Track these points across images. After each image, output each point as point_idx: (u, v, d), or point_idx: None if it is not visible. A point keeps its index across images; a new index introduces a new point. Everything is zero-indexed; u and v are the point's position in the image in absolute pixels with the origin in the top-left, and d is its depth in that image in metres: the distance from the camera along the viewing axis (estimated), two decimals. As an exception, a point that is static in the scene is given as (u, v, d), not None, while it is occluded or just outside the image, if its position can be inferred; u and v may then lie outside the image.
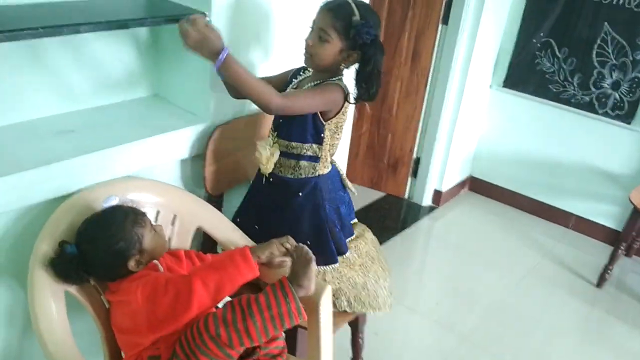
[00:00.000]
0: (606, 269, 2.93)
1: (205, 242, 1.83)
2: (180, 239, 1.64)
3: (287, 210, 1.70)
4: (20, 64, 1.48)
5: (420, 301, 2.74)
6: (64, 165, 1.41)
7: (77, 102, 1.67)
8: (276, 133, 1.67)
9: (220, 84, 1.67)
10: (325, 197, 1.71)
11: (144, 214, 1.39)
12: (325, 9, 1.54)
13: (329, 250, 1.71)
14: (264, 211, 1.74)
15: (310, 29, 1.57)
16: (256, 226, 1.73)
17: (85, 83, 1.66)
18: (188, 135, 1.71)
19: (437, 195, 3.59)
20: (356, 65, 1.59)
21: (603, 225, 3.37)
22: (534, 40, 3.29)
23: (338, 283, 1.73)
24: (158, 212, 1.59)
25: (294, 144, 1.64)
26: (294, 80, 1.70)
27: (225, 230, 1.71)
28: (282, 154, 1.66)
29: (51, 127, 1.55)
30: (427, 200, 3.60)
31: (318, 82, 1.61)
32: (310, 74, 1.68)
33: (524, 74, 3.39)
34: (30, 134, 1.50)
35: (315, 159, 1.66)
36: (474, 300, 2.75)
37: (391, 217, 3.43)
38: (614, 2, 3.00)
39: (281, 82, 1.70)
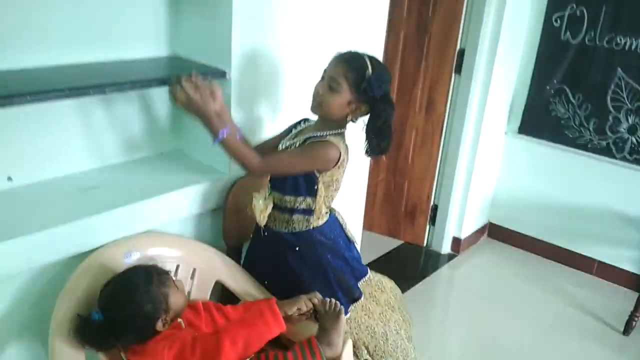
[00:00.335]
0: (633, 316, 2.85)
1: (224, 295, 1.83)
2: (200, 292, 1.64)
3: (286, 265, 1.68)
4: (45, 123, 1.53)
5: (443, 354, 2.67)
6: (86, 222, 1.43)
7: (102, 158, 1.72)
8: (270, 184, 1.67)
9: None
10: (325, 247, 1.68)
11: (167, 273, 1.39)
12: (339, 59, 1.56)
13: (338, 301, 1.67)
14: (265, 266, 1.73)
15: (321, 78, 1.59)
16: (266, 282, 1.72)
17: (110, 140, 1.71)
18: (208, 189, 1.74)
19: (456, 243, 3.56)
20: (366, 119, 1.59)
21: (626, 271, 3.30)
22: (548, 87, 3.32)
23: (357, 333, 1.71)
24: (178, 266, 1.60)
25: (287, 197, 1.63)
26: (292, 130, 1.72)
27: (244, 283, 1.71)
28: (275, 207, 1.66)
29: (76, 184, 1.59)
30: (446, 248, 3.57)
31: (309, 136, 1.60)
32: (311, 124, 1.68)
33: (538, 120, 3.40)
34: (56, 191, 1.54)
35: (308, 212, 1.65)
36: (498, 351, 2.68)
37: (410, 266, 3.40)
38: (627, 48, 3.03)
39: (280, 139, 1.72)
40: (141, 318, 1.30)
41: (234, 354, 1.27)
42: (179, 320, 1.38)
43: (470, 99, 3.19)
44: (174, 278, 1.41)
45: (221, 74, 1.66)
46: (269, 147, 1.72)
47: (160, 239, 1.61)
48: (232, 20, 1.61)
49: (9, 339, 1.44)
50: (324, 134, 1.58)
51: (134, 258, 1.48)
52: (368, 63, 1.54)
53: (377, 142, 1.56)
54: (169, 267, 1.57)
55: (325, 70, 1.58)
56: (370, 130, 1.56)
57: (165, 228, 1.68)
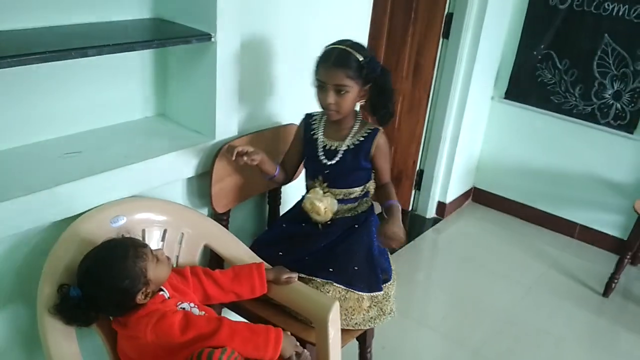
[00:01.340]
0: (612, 278, 2.93)
1: (212, 259, 1.84)
2: (188, 257, 1.65)
3: (341, 245, 1.75)
4: (27, 87, 1.50)
5: (427, 314, 2.73)
6: (71, 187, 1.42)
7: (84, 123, 1.69)
8: (326, 184, 1.74)
9: (226, 103, 1.71)
10: (375, 223, 1.81)
11: (144, 246, 1.37)
12: (331, 66, 1.61)
13: (374, 277, 1.75)
14: (307, 244, 1.77)
15: (320, 88, 1.65)
16: (280, 252, 1.76)
17: (92, 104, 1.68)
18: (194, 154, 1.73)
19: (441, 207, 3.60)
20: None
21: (608, 235, 3.37)
22: (535, 52, 3.31)
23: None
24: (165, 231, 1.60)
25: (352, 189, 1.75)
26: (314, 133, 1.76)
27: (232, 247, 1.73)
28: (339, 201, 1.75)
29: (59, 149, 1.56)
30: (431, 213, 3.61)
31: (364, 136, 1.72)
32: (325, 119, 1.77)
33: (525, 86, 3.41)
34: (38, 157, 1.51)
35: (367, 193, 1.81)
36: (481, 312, 2.74)
37: (396, 230, 3.43)
38: (614, 14, 3.03)
39: (295, 150, 1.83)
40: (119, 293, 1.29)
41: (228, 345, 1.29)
42: (162, 292, 1.38)
43: (458, 63, 3.18)
44: (155, 248, 1.40)
45: (206, 37, 1.63)
46: (289, 161, 1.85)
47: (147, 204, 1.61)
48: (216, -20, 1.57)
49: (-2, 303, 1.44)
50: (373, 129, 1.72)
51: (120, 223, 1.48)
52: (355, 52, 1.61)
53: (386, 109, 1.71)
54: (156, 232, 1.58)
55: (321, 81, 1.63)
56: (378, 102, 1.70)
57: (152, 193, 1.67)
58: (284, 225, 1.86)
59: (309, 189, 1.80)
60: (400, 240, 1.60)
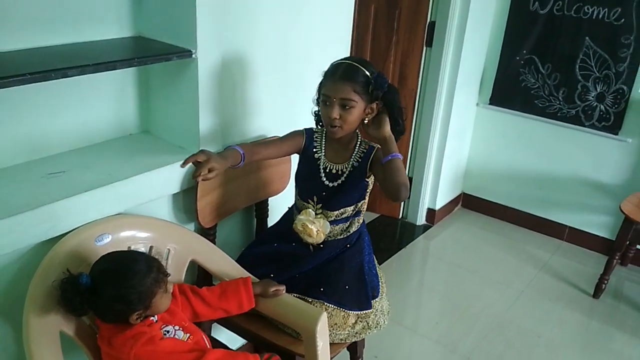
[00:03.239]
0: (602, 279, 2.95)
1: (200, 274, 1.84)
2: (175, 273, 1.65)
3: (333, 263, 1.76)
4: (8, 108, 1.51)
5: (419, 321, 2.74)
6: (55, 207, 1.42)
7: (68, 143, 1.69)
8: (320, 205, 1.73)
9: (209, 118, 1.72)
10: (366, 242, 1.82)
11: (165, 274, 1.38)
12: (338, 80, 1.59)
13: (363, 294, 1.76)
14: (299, 265, 1.76)
15: (323, 104, 1.63)
16: (272, 275, 1.74)
17: (75, 123, 1.69)
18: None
19: (431, 214, 3.62)
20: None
21: (597, 236, 3.40)
22: (517, 58, 3.35)
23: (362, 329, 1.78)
24: (151, 248, 1.60)
25: (344, 209, 1.73)
26: (316, 151, 1.74)
27: (219, 262, 1.73)
28: (331, 223, 1.74)
29: (42, 170, 1.56)
30: (421, 219, 3.62)
31: (361, 154, 1.71)
32: (326, 137, 1.74)
33: (509, 91, 3.44)
34: (22, 177, 1.51)
35: (358, 213, 1.78)
36: (473, 318, 2.75)
37: (386, 238, 3.45)
38: (594, 17, 3.07)
39: (281, 151, 1.78)
40: (122, 304, 1.29)
41: None
42: (152, 317, 1.38)
43: (442, 71, 3.21)
44: (168, 281, 1.40)
45: (187, 53, 1.64)
46: (266, 151, 1.77)
47: (132, 221, 1.61)
48: (195, -2, 1.58)
49: (-18, 325, 1.44)
50: (369, 147, 1.71)
51: (105, 241, 1.48)
52: (362, 68, 1.60)
53: (398, 127, 1.68)
54: (142, 248, 1.57)
55: (326, 95, 1.61)
56: (390, 120, 1.66)
57: (138, 210, 1.67)
58: (274, 244, 1.84)
59: (300, 209, 1.78)
60: None
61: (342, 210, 1.73)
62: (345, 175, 1.71)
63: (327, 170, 1.73)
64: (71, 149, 1.70)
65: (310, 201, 1.74)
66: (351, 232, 1.79)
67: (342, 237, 1.77)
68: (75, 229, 1.47)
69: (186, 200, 1.84)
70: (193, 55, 1.65)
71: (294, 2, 1.95)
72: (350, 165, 1.71)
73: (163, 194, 1.75)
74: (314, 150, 1.75)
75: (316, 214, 1.74)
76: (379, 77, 1.61)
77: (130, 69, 1.75)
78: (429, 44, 3.21)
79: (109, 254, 1.37)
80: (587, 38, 3.11)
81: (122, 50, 1.66)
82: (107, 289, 1.29)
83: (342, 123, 1.62)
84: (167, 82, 1.77)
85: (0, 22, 1.43)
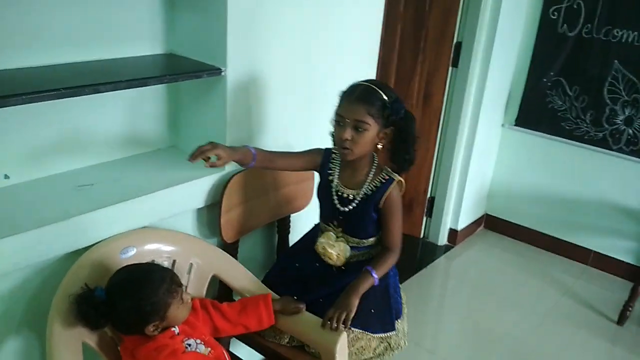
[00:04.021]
0: (627, 306, 2.89)
1: (221, 289, 1.85)
2: (196, 287, 1.67)
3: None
4: (41, 121, 1.55)
5: (440, 343, 2.71)
6: (83, 219, 1.45)
7: (98, 156, 1.73)
8: (340, 229, 1.72)
9: (235, 135, 1.74)
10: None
11: (180, 285, 1.40)
12: (353, 101, 1.56)
13: (388, 317, 1.75)
14: (323, 287, 1.74)
15: (337, 124, 1.60)
16: (295, 297, 1.71)
17: (106, 138, 1.73)
18: (204, 185, 1.76)
19: (453, 234, 3.59)
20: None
21: (622, 261, 3.33)
22: (545, 79, 3.32)
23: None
24: (174, 262, 1.62)
25: (364, 240, 1.72)
26: (331, 173, 1.72)
27: (240, 278, 1.74)
28: (352, 248, 1.73)
29: (72, 181, 1.60)
30: (443, 240, 3.60)
31: (377, 183, 1.66)
32: (344, 163, 1.70)
33: (535, 113, 3.41)
34: (51, 189, 1.55)
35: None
36: (495, 341, 2.71)
37: (407, 257, 3.43)
38: (623, 41, 3.04)
39: (301, 165, 1.77)
40: (135, 315, 1.31)
41: None
42: (173, 328, 1.39)
43: (467, 91, 3.20)
44: (185, 292, 1.41)
45: (217, 71, 1.67)
46: (288, 163, 1.76)
47: (157, 235, 1.63)
48: (227, 17, 1.61)
49: (6, 335, 1.46)
50: (388, 179, 1.66)
51: (130, 254, 1.51)
52: (380, 91, 1.57)
53: (408, 157, 1.65)
54: (165, 262, 1.59)
55: (340, 115, 1.58)
56: (400, 148, 1.64)
57: (162, 224, 1.70)
58: (297, 265, 1.83)
59: (322, 230, 1.77)
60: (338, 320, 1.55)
61: (364, 240, 1.73)
62: (356, 202, 1.67)
63: (339, 194, 1.69)
64: (102, 162, 1.74)
65: (331, 224, 1.74)
66: (374, 254, 1.76)
67: (364, 258, 1.75)
68: (101, 241, 1.50)
69: (210, 215, 1.85)
70: (222, 73, 1.67)
71: (322, 21, 1.97)
72: (362, 193, 1.66)
73: (188, 208, 1.77)
74: (329, 171, 1.72)
75: (337, 237, 1.73)
76: (396, 103, 1.58)
77: (161, 85, 1.78)
78: (455, 64, 3.20)
79: (124, 267, 1.39)
80: (615, 61, 3.08)
81: (154, 67, 1.69)
82: (121, 300, 1.31)
83: (352, 145, 1.57)
84: (196, 98, 1.80)
85: (38, 38, 1.48)
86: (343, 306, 1.57)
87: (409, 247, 3.53)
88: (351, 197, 1.68)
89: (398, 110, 1.58)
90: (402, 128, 1.61)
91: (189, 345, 1.40)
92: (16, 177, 1.55)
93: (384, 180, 1.66)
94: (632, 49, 3.02)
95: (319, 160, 1.75)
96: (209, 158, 1.54)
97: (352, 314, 1.56)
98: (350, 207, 1.68)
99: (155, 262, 1.43)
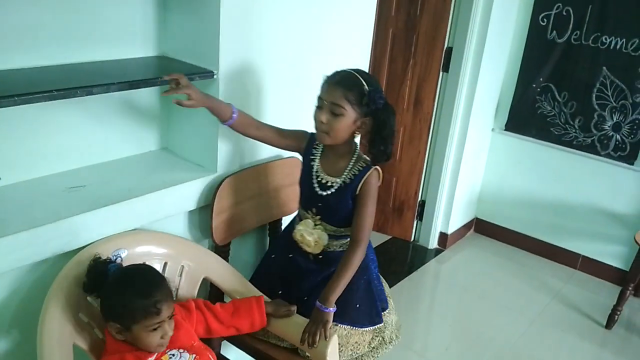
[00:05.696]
0: (615, 310, 2.91)
1: (213, 292, 1.85)
2: (188, 289, 1.67)
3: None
4: (33, 122, 1.55)
5: (429, 346, 2.72)
6: (74, 221, 1.45)
7: (90, 157, 1.73)
8: (319, 217, 1.71)
9: (227, 137, 1.75)
10: (370, 257, 1.79)
11: (170, 313, 1.34)
12: (333, 84, 1.57)
13: (374, 310, 1.77)
14: (304, 282, 1.75)
15: (317, 107, 1.60)
16: (280, 292, 1.74)
17: (97, 139, 1.73)
18: (196, 187, 1.76)
19: (443, 238, 3.61)
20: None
21: (610, 266, 3.37)
22: (534, 85, 3.36)
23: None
24: (166, 264, 1.62)
25: (342, 229, 1.71)
26: (313, 158, 1.71)
27: (232, 280, 1.74)
28: (330, 236, 1.71)
29: (63, 183, 1.60)
30: (433, 243, 3.62)
31: (355, 174, 1.64)
32: (324, 152, 1.69)
33: (525, 118, 3.45)
34: (42, 191, 1.55)
35: None
36: (483, 345, 2.73)
37: (398, 261, 3.44)
38: (612, 47, 3.08)
39: (298, 140, 1.75)
40: (107, 304, 1.31)
41: None
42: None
43: (458, 96, 3.23)
44: (168, 329, 1.35)
45: (209, 74, 1.67)
46: (279, 132, 1.74)
47: (148, 237, 1.63)
48: (219, 20, 1.62)
49: (-3, 336, 1.46)
50: (365, 166, 1.64)
51: (121, 256, 1.50)
52: (361, 79, 1.57)
53: (384, 149, 1.61)
54: (157, 264, 1.59)
55: (320, 98, 1.59)
56: (376, 139, 1.60)
57: (154, 226, 1.70)
58: (273, 256, 1.86)
59: (301, 217, 1.76)
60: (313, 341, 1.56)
61: (342, 229, 1.71)
62: (334, 188, 1.66)
63: (319, 179, 1.68)
64: (92, 163, 1.73)
65: (309, 211, 1.72)
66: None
67: (341, 249, 1.73)
68: (92, 243, 1.50)
69: (201, 217, 1.86)
70: (215, 76, 1.68)
71: (314, 25, 1.98)
72: (341, 181, 1.65)
73: (179, 210, 1.77)
74: (311, 157, 1.71)
75: (315, 224, 1.71)
76: (376, 92, 1.56)
77: (153, 87, 1.78)
78: (446, 69, 3.23)
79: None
80: (604, 68, 3.12)
81: (145, 69, 1.69)
82: (113, 283, 1.32)
83: (328, 129, 1.57)
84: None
85: (29, 39, 1.47)
86: (318, 320, 1.59)
87: (399, 251, 3.55)
88: (330, 183, 1.67)
89: (376, 100, 1.56)
90: (381, 119, 1.58)
91: (173, 355, 1.38)
92: (8, 178, 1.55)
93: (361, 168, 1.65)
94: (620, 56, 3.06)
95: (303, 144, 1.74)
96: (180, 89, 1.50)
97: (329, 324, 1.58)
98: (329, 192, 1.66)
99: (167, 281, 1.37)
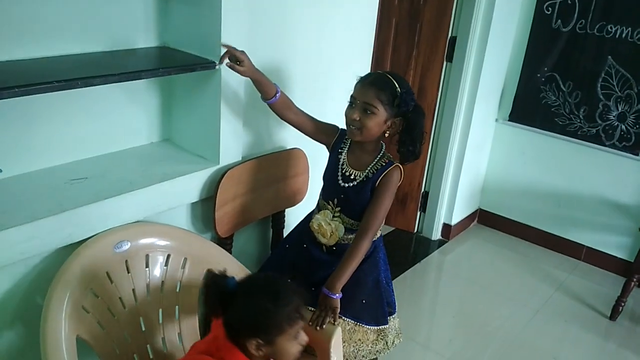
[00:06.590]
0: (619, 301, 2.90)
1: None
2: (191, 281, 1.66)
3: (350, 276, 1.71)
4: (33, 114, 1.54)
5: (433, 337, 2.72)
6: (77, 213, 1.44)
7: (91, 150, 1.72)
8: (339, 209, 1.73)
9: (230, 128, 1.73)
10: (381, 257, 1.81)
11: (300, 320, 1.29)
12: (366, 84, 1.62)
13: (380, 310, 1.78)
14: (316, 272, 1.75)
15: (350, 104, 1.65)
16: (313, 288, 1.71)
17: (99, 131, 1.72)
18: (198, 179, 1.75)
19: (447, 229, 3.60)
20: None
21: (614, 257, 3.35)
22: (538, 75, 3.33)
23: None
24: (169, 256, 1.62)
25: (359, 222, 1.71)
26: (341, 151, 1.74)
27: (235, 272, 1.72)
28: (346, 230, 1.73)
29: (65, 175, 1.59)
30: (436, 234, 3.60)
31: (378, 169, 1.68)
32: (352, 148, 1.73)
33: (529, 108, 3.42)
34: (44, 183, 1.54)
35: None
36: (488, 335, 2.72)
37: (401, 252, 3.43)
38: (617, 36, 3.04)
39: (319, 131, 1.79)
40: (249, 321, 1.24)
41: None
42: None
43: (462, 86, 3.20)
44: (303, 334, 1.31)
45: (211, 65, 1.66)
46: (312, 121, 1.80)
47: (151, 229, 1.63)
48: (221, 10, 1.61)
49: (0, 329, 1.46)
50: (388, 162, 1.69)
51: (124, 248, 1.50)
52: (394, 81, 1.62)
53: (412, 149, 1.67)
54: (160, 257, 1.59)
55: (353, 97, 1.64)
56: (406, 139, 1.67)
57: (156, 218, 1.69)
58: (287, 245, 1.87)
59: (320, 208, 1.79)
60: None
61: (358, 222, 1.72)
62: (357, 181, 1.70)
63: (344, 172, 1.72)
64: (93, 155, 1.73)
65: (330, 203, 1.75)
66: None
67: None
68: (95, 235, 1.49)
69: (204, 209, 1.85)
70: (217, 67, 1.66)
71: (316, 14, 1.97)
72: (364, 175, 1.70)
73: (182, 202, 1.77)
74: (339, 151, 1.76)
75: (334, 216, 1.74)
76: (407, 94, 1.62)
77: (155, 78, 1.77)
78: (450, 58, 3.20)
79: (270, 274, 1.37)
80: (609, 57, 3.09)
81: (147, 60, 1.68)
82: (248, 298, 1.24)
83: (360, 126, 1.62)
84: (190, 92, 1.80)
85: (30, 30, 1.46)
86: (326, 306, 1.61)
87: (402, 242, 3.54)
88: (353, 176, 1.71)
89: (407, 102, 1.62)
90: (411, 120, 1.65)
91: None
92: (9, 171, 1.54)
93: (384, 164, 1.70)
94: (626, 45, 3.03)
95: (332, 138, 1.79)
96: (235, 59, 1.58)
97: (338, 311, 1.61)
98: (352, 184, 1.70)
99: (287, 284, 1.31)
